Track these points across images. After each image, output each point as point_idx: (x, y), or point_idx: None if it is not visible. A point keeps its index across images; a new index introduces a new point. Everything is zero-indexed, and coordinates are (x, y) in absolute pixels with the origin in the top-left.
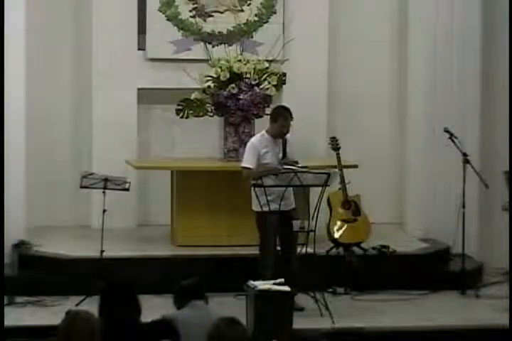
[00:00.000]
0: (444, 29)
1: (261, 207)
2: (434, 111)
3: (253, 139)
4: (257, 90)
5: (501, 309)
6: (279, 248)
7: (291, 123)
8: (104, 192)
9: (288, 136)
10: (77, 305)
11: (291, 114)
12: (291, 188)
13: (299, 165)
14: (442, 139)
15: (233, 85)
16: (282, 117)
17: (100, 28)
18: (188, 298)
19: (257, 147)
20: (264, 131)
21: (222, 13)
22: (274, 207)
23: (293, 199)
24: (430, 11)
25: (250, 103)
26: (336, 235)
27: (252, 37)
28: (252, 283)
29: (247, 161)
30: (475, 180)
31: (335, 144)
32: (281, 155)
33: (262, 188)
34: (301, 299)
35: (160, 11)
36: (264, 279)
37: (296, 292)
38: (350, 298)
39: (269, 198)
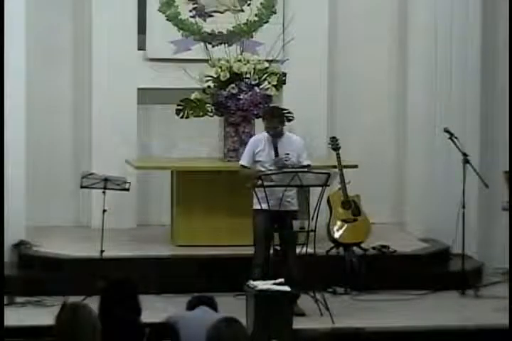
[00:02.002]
0: (444, 29)
1: (255, 205)
2: (434, 111)
3: (252, 137)
4: (257, 90)
5: (501, 309)
6: (278, 248)
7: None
8: (104, 192)
9: (290, 138)
10: None
11: (277, 115)
12: (294, 189)
13: (298, 166)
14: (442, 139)
15: (233, 85)
16: (264, 119)
17: (100, 28)
18: (197, 305)
19: (253, 145)
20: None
21: (222, 13)
22: (264, 205)
23: (293, 200)
24: (430, 10)
25: (250, 103)
26: (336, 235)
27: (252, 37)
28: (252, 283)
29: (242, 158)
30: (475, 180)
31: (335, 144)
32: (273, 154)
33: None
34: (301, 299)
35: (160, 11)
36: (253, 278)
37: (298, 294)
38: (350, 298)
39: (262, 197)
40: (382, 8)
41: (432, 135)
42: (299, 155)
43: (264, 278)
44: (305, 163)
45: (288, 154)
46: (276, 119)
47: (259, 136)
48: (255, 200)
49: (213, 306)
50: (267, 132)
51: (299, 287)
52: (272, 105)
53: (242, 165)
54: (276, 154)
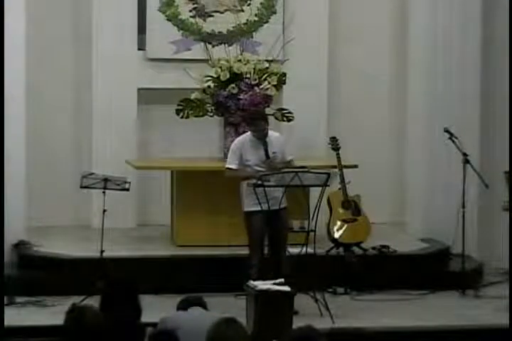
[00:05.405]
0: (444, 29)
1: (249, 206)
2: (434, 111)
3: (236, 140)
4: (257, 90)
5: (501, 309)
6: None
7: (293, 122)
8: (104, 192)
9: (273, 136)
10: None
11: (264, 117)
12: (281, 188)
13: (289, 166)
14: (442, 139)
15: (233, 85)
16: (252, 123)
17: (100, 28)
18: (189, 306)
19: (239, 147)
20: (249, 132)
21: (222, 13)
22: (258, 207)
23: (282, 197)
24: (430, 11)
25: (250, 103)
26: (336, 235)
27: (252, 37)
28: (252, 283)
29: (229, 162)
30: (475, 180)
31: (335, 144)
32: (264, 156)
33: (251, 188)
34: (301, 299)
35: (160, 11)
36: (250, 278)
37: (293, 293)
38: (350, 298)
39: (254, 198)
40: (383, 9)
41: (432, 135)
42: (283, 151)
43: (260, 278)
44: (288, 158)
45: (275, 153)
46: (263, 122)
47: (243, 139)
48: (250, 202)
49: (204, 306)
50: (255, 135)
51: (293, 285)
52: (252, 108)
53: (229, 169)
54: (267, 155)
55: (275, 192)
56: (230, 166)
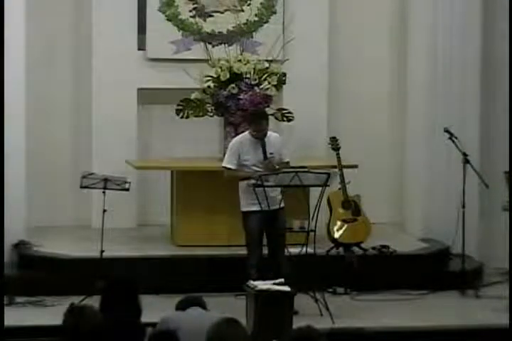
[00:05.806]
0: (445, 29)
1: (247, 206)
2: (434, 111)
3: (234, 139)
4: (257, 90)
5: (501, 309)
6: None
7: (292, 123)
8: (104, 192)
9: (272, 136)
10: None
11: (265, 117)
12: (279, 188)
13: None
14: (442, 139)
15: (233, 85)
16: (253, 122)
17: (100, 28)
18: (188, 306)
19: (237, 147)
20: (247, 132)
21: (222, 13)
22: (256, 207)
23: (280, 198)
24: (430, 11)
25: (250, 103)
26: (336, 235)
27: (252, 37)
28: (252, 283)
29: (227, 161)
30: (475, 180)
31: (335, 144)
32: (262, 156)
33: (250, 188)
34: (301, 299)
35: (160, 11)
36: (250, 278)
37: (293, 293)
38: (350, 298)
39: (253, 198)
40: (383, 8)
41: (432, 135)
42: (280, 152)
43: (260, 278)
44: (286, 159)
45: (272, 153)
46: (265, 121)
47: (242, 138)
48: (248, 202)
49: (203, 306)
50: (254, 135)
51: (293, 285)
52: (253, 108)
53: (226, 168)
54: (265, 156)
55: (272, 192)
56: (228, 166)
